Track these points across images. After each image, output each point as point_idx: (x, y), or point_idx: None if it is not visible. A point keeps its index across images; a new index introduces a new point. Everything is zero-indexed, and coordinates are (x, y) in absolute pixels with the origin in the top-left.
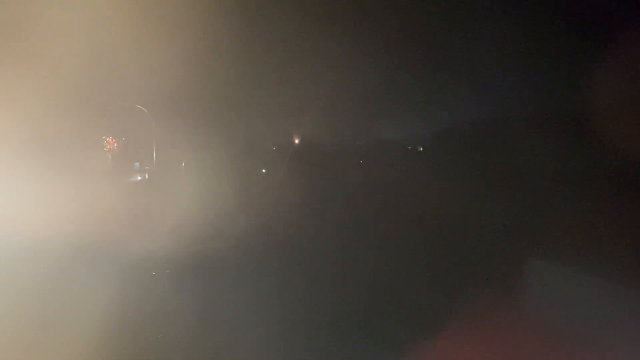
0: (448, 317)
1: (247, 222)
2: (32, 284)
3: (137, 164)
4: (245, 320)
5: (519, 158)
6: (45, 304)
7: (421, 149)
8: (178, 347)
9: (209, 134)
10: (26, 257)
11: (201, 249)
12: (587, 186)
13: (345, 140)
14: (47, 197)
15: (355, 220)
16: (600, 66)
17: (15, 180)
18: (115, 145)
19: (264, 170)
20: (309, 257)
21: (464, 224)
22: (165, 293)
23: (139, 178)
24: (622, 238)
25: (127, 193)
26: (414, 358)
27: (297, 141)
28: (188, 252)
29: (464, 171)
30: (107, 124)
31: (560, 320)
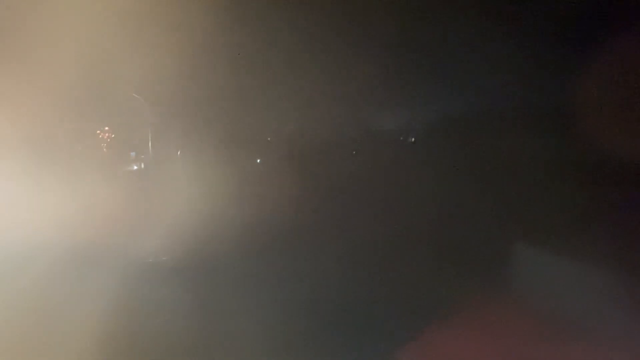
0: (445, 311)
1: (241, 211)
2: (32, 283)
3: (133, 153)
4: (245, 315)
5: (513, 151)
6: (45, 302)
7: (413, 139)
8: (178, 343)
9: (202, 122)
10: (25, 255)
11: (195, 238)
12: (582, 181)
13: (338, 131)
14: (44, 196)
15: (349, 211)
16: (594, 62)
17: (12, 179)
18: (111, 136)
19: (258, 160)
20: (304, 249)
21: (458, 216)
22: (164, 287)
23: (135, 168)
24: (617, 233)
25: (123, 187)
26: (412, 353)
27: (291, 133)
28: (182, 241)
29: (458, 162)
30: (103, 114)
31: (555, 315)
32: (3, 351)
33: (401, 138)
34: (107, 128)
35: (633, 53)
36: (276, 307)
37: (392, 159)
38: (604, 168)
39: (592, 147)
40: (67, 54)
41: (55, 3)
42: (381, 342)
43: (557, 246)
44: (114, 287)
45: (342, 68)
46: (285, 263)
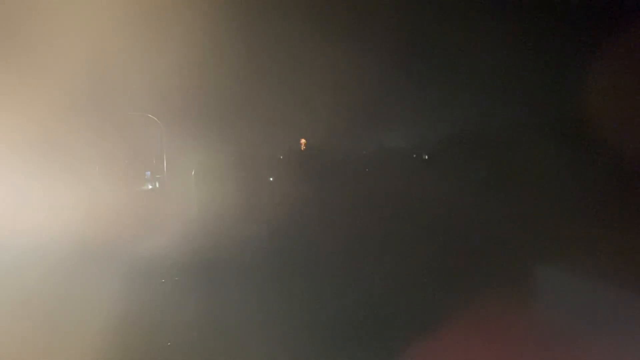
0: (454, 323)
1: (254, 229)
2: (41, 289)
3: (148, 173)
4: (252, 326)
5: (525, 164)
6: (52, 309)
7: (426, 157)
8: (185, 352)
9: (215, 142)
10: (35, 262)
11: (208, 256)
12: (593, 191)
13: (351, 148)
14: (55, 202)
15: (360, 227)
16: (606, 72)
17: (23, 185)
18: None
19: (271, 179)
20: (315, 265)
21: (470, 230)
22: (173, 299)
23: (150, 187)
24: (625, 242)
25: (135, 199)
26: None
27: (303, 149)
28: (196, 258)
29: (469, 178)
30: (115, 130)
31: (564, 323)
32: (11, 353)
33: (414, 155)
34: (124, 147)
35: None
36: (286, 316)
37: (406, 175)
38: (616, 175)
39: (605, 155)
40: (81, 69)
41: (71, 17)
42: (388, 350)
43: (567, 257)
44: (124, 296)
45: (355, 87)
46: (297, 278)
